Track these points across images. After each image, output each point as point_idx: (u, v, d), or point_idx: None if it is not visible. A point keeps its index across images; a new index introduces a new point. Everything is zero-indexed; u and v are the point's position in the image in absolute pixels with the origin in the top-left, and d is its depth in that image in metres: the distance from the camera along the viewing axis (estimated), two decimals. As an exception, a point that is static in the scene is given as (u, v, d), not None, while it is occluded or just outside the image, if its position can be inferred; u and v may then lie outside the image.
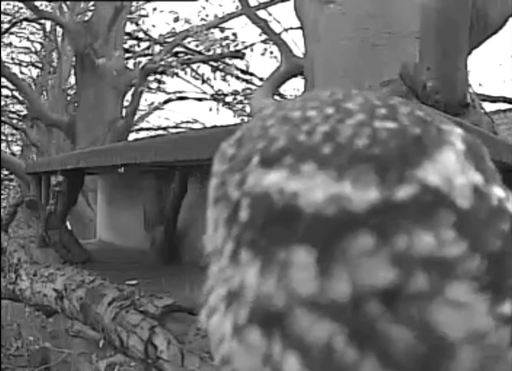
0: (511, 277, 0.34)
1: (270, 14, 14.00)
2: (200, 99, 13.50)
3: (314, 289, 0.33)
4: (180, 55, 11.98)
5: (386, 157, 0.33)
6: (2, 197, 14.02)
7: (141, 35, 13.02)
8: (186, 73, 12.45)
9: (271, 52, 11.74)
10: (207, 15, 11.79)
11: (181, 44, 11.86)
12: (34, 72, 16.14)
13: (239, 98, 13.04)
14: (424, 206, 0.33)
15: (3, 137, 15.33)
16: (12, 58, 14.99)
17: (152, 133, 14.69)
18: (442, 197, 0.33)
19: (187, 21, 11.88)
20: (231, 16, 11.50)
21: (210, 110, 13.25)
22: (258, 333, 0.34)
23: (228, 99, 13.13)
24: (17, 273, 3.94)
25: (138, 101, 10.80)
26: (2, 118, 13.00)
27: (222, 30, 11.74)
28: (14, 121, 14.95)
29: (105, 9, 10.15)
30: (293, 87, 17.12)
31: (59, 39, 13.94)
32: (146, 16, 12.94)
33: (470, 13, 3.50)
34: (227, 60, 12.30)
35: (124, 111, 10.81)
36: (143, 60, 11.86)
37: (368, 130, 0.34)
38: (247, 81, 12.91)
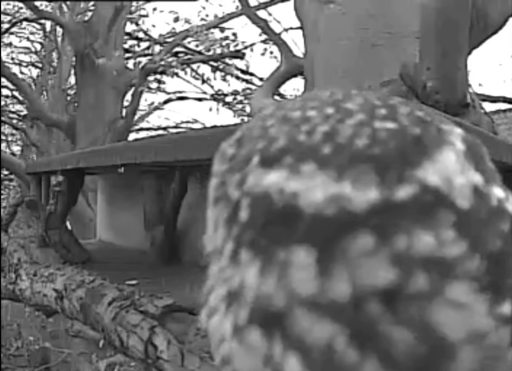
0: (511, 278, 0.34)
1: (270, 14, 14.00)
2: (200, 99, 13.50)
3: (314, 289, 0.33)
4: (180, 55, 11.98)
5: (385, 157, 0.33)
6: (2, 197, 14.02)
7: (141, 35, 13.02)
8: (186, 73, 12.46)
9: (271, 52, 11.74)
10: (207, 15, 11.80)
11: (181, 44, 11.86)
12: (34, 72, 16.17)
13: (239, 98, 13.04)
14: (424, 206, 0.33)
15: (3, 137, 15.33)
16: (12, 58, 15.00)
17: (152, 133, 14.70)
18: (442, 197, 0.33)
19: (187, 21, 11.89)
20: (231, 16, 11.50)
21: (210, 110, 13.25)
22: (258, 333, 0.34)
23: (228, 99, 13.13)
24: (17, 273, 3.94)
25: (138, 101, 10.80)
26: (2, 118, 12.99)
27: (222, 30, 11.74)
28: (14, 121, 14.94)
29: (105, 9, 10.15)
30: (293, 87, 17.15)
31: (59, 39, 13.94)
32: (146, 16, 12.95)
33: (470, 13, 3.49)
34: (227, 60, 12.30)
35: (124, 111, 10.80)
36: (143, 60, 11.87)
37: (368, 130, 0.34)
38: (247, 81, 12.92)
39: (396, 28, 4.19)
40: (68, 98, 14.55)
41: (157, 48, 12.14)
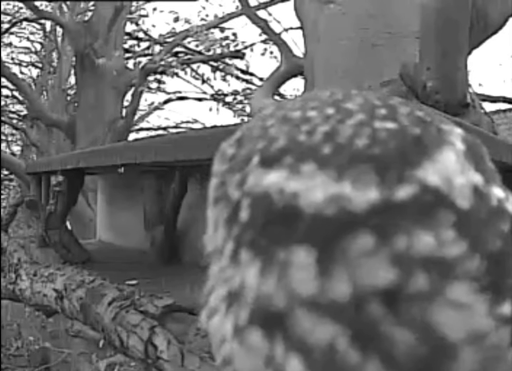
0: (511, 278, 0.34)
1: (270, 14, 13.98)
2: (200, 99, 13.50)
3: (315, 289, 0.33)
4: (180, 55, 11.98)
5: (385, 157, 0.33)
6: (2, 197, 14.02)
7: (141, 35, 13.01)
8: (186, 73, 12.46)
9: (271, 52, 11.74)
10: (207, 15, 11.80)
11: (181, 44, 11.85)
12: (34, 72, 16.16)
13: (239, 98, 13.03)
14: (424, 206, 0.33)
15: (3, 137, 15.33)
16: (12, 58, 14.99)
17: (152, 133, 14.70)
18: (442, 197, 0.33)
19: (187, 21, 11.88)
20: (231, 16, 11.49)
21: (210, 110, 13.25)
22: (259, 334, 0.34)
23: (228, 99, 13.12)
24: (17, 273, 3.94)
25: (138, 101, 10.80)
26: (2, 118, 12.99)
27: (222, 30, 11.74)
28: (14, 121, 14.94)
29: (105, 9, 10.15)
30: (293, 87, 17.13)
31: (59, 39, 13.94)
32: (146, 16, 12.95)
33: (470, 13, 3.49)
34: (227, 60, 12.30)
35: (124, 111, 10.80)
36: (143, 60, 11.86)
37: (368, 130, 0.34)
38: (247, 81, 12.91)
39: (396, 28, 4.19)
40: (68, 98, 14.55)
41: (157, 48, 12.15)
